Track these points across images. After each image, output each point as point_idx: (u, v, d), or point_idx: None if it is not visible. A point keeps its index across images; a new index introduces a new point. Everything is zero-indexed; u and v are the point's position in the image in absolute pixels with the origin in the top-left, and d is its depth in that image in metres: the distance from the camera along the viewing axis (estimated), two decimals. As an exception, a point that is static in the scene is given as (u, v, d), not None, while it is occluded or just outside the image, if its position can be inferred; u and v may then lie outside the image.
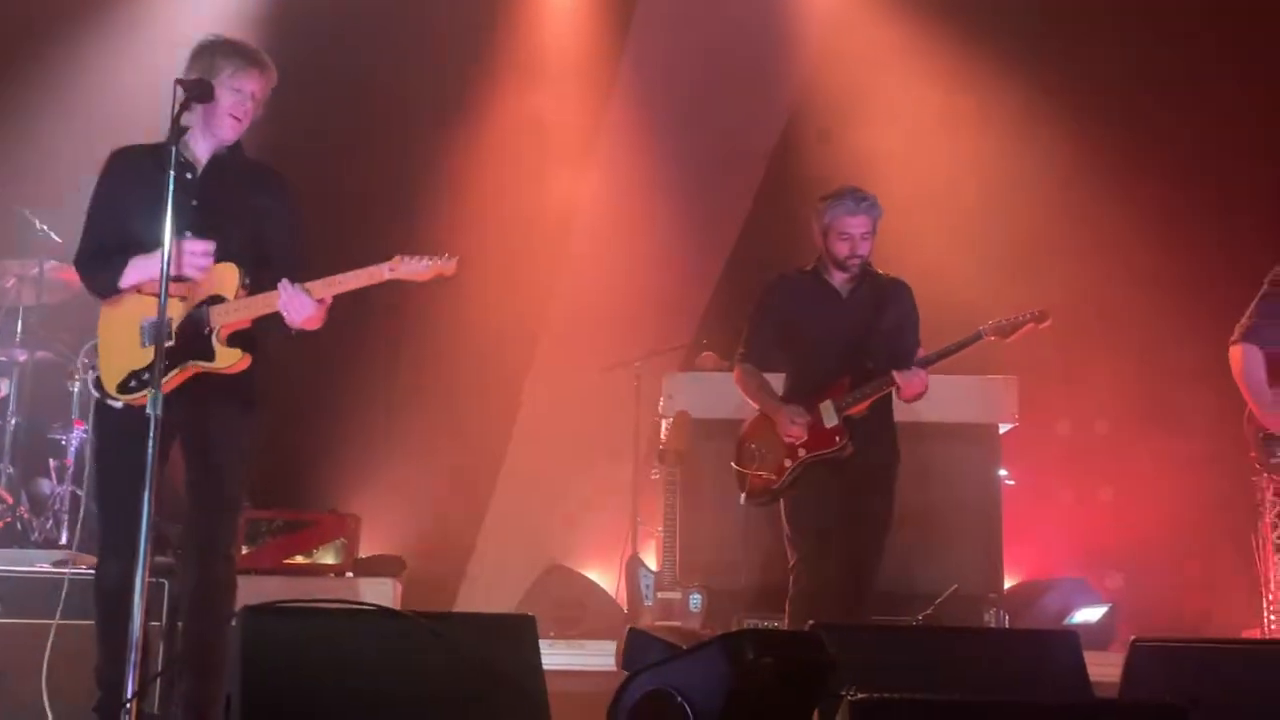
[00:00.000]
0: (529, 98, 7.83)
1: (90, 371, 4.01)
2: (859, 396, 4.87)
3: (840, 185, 5.08)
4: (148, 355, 3.82)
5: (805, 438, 4.87)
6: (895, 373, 4.79)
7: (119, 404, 3.93)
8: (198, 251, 3.90)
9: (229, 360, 3.97)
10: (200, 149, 4.08)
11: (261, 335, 4.05)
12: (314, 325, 4.00)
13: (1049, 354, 6.62)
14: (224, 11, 7.24)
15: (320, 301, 3.96)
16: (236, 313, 3.96)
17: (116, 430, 3.92)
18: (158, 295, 3.70)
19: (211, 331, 3.95)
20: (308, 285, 3.93)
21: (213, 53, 4.05)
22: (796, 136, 7.83)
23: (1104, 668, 4.11)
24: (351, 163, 7.32)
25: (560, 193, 7.83)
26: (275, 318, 3.96)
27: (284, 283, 3.91)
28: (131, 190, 3.99)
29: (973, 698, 3.04)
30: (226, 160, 4.12)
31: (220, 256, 3.97)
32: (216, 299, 3.96)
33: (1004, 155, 7.42)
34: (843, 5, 7.93)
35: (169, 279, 3.72)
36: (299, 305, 3.91)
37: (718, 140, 7.90)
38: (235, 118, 4.03)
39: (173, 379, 3.90)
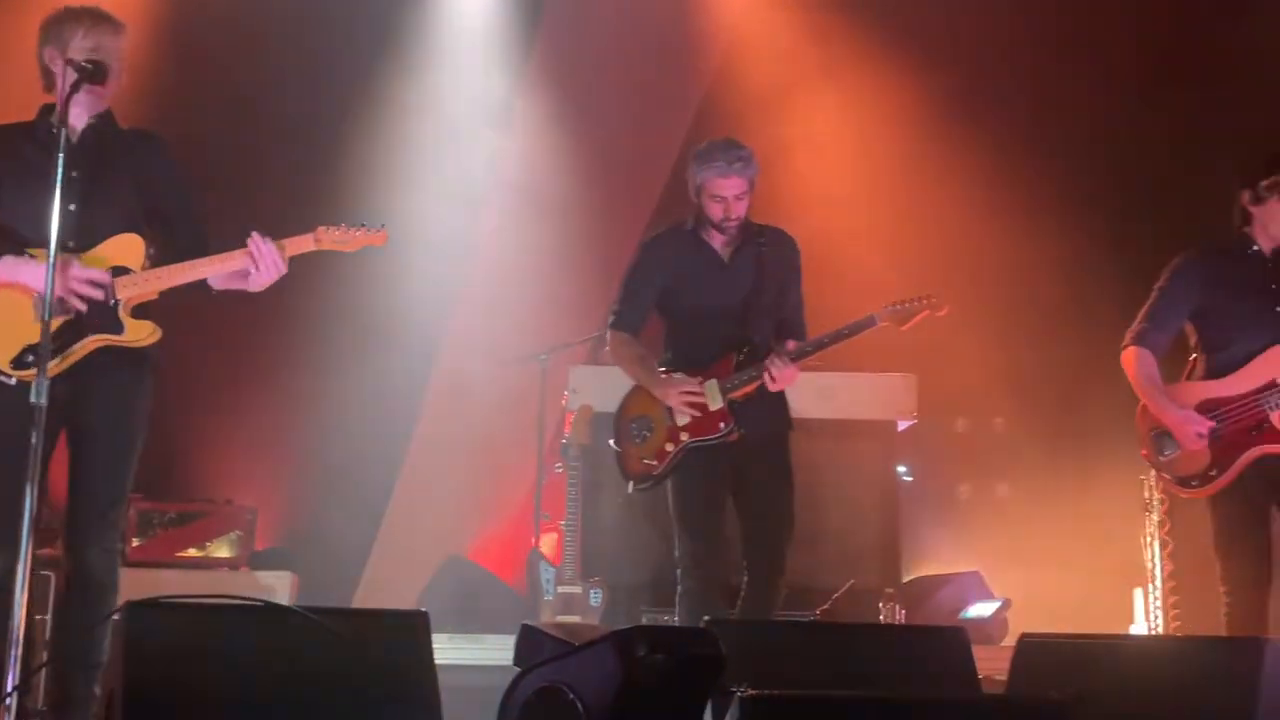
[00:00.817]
0: (436, 89, 7.75)
1: None
2: (743, 381, 4.57)
3: (713, 139, 4.74)
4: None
5: (694, 415, 4.57)
6: (767, 362, 4.53)
7: (12, 380, 3.77)
8: (87, 280, 3.79)
9: (140, 334, 3.88)
10: (74, 120, 3.92)
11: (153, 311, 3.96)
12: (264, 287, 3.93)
13: (948, 351, 6.71)
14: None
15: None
16: (146, 284, 3.88)
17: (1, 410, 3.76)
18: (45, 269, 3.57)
19: (117, 304, 3.85)
20: (281, 242, 3.88)
21: (60, 23, 3.94)
22: (707, 127, 7.81)
23: (997, 662, 4.17)
24: (249, 156, 7.18)
25: (466, 184, 7.76)
26: (184, 288, 3.89)
27: (254, 236, 3.85)
28: (2, 163, 3.88)
29: (862, 694, 3.07)
30: (101, 128, 4.01)
31: (113, 225, 3.89)
32: (120, 269, 3.87)
33: (911, 148, 7.52)
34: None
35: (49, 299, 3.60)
36: (271, 259, 3.87)
37: (627, 131, 7.88)
38: (89, 62, 3.84)
39: (75, 353, 3.80)
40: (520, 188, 7.77)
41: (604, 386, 6.25)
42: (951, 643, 3.77)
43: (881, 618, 5.88)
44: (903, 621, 5.92)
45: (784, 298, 4.78)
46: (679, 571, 4.63)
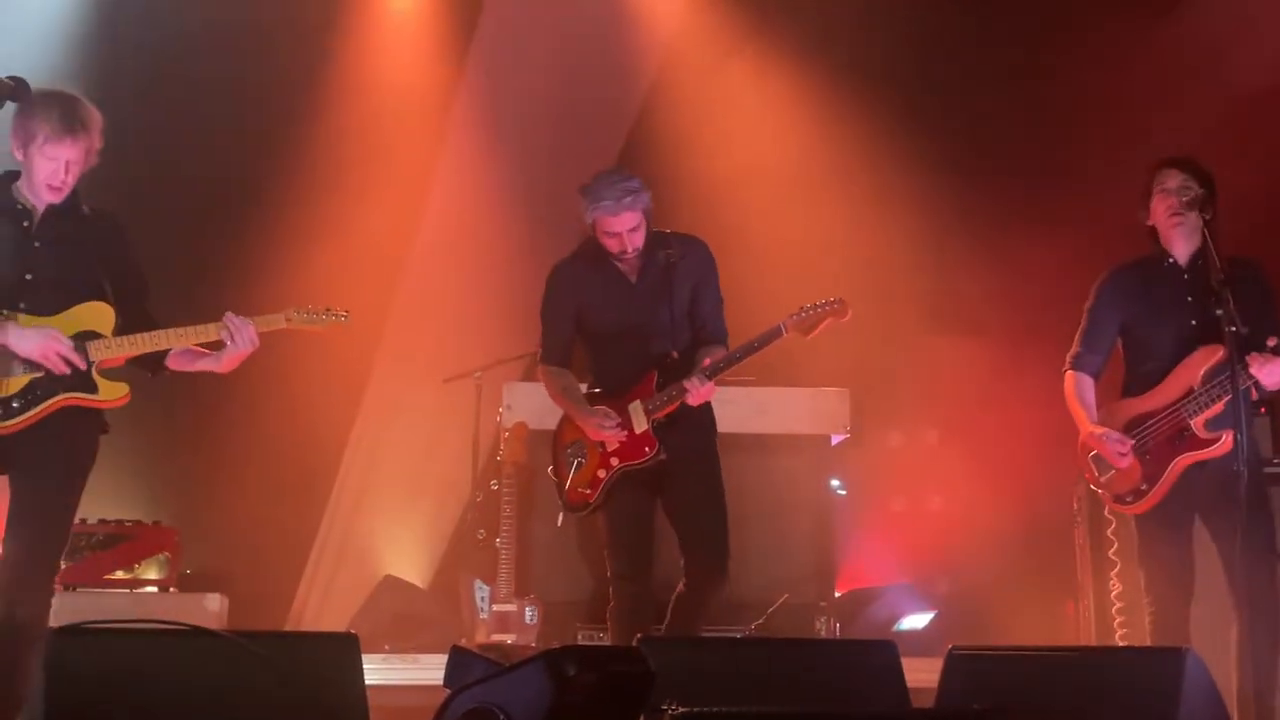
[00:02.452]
0: (368, 100, 7.72)
1: None
2: (665, 401, 4.61)
3: (606, 170, 4.78)
4: (18, 383, 3.87)
5: (621, 440, 4.63)
6: (686, 383, 4.57)
7: None
8: (62, 351, 3.90)
9: (114, 394, 4.02)
10: (34, 197, 4.05)
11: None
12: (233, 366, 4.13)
13: (880, 365, 6.78)
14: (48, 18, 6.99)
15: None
16: (119, 348, 4.01)
17: None
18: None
19: (91, 365, 3.96)
20: (252, 319, 4.08)
21: (30, 115, 3.96)
22: (643, 140, 7.86)
23: (929, 674, 4.20)
24: (181, 178, 7.12)
25: (401, 198, 7.72)
26: (143, 357, 4.07)
27: (229, 315, 4.04)
28: None
29: (790, 710, 3.09)
30: (64, 210, 4.08)
31: (69, 297, 3.99)
32: (91, 334, 3.98)
33: (840, 160, 7.58)
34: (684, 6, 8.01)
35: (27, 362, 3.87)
36: (246, 336, 4.04)
37: (563, 143, 7.88)
38: (53, 187, 4.00)
39: (43, 409, 3.90)
40: (454, 201, 7.74)
41: (539, 403, 6.21)
42: (881, 656, 3.80)
43: (818, 632, 5.91)
44: (837, 635, 5.95)
45: (699, 304, 4.79)
46: (610, 590, 4.70)
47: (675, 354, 4.70)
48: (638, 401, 4.66)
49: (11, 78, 3.80)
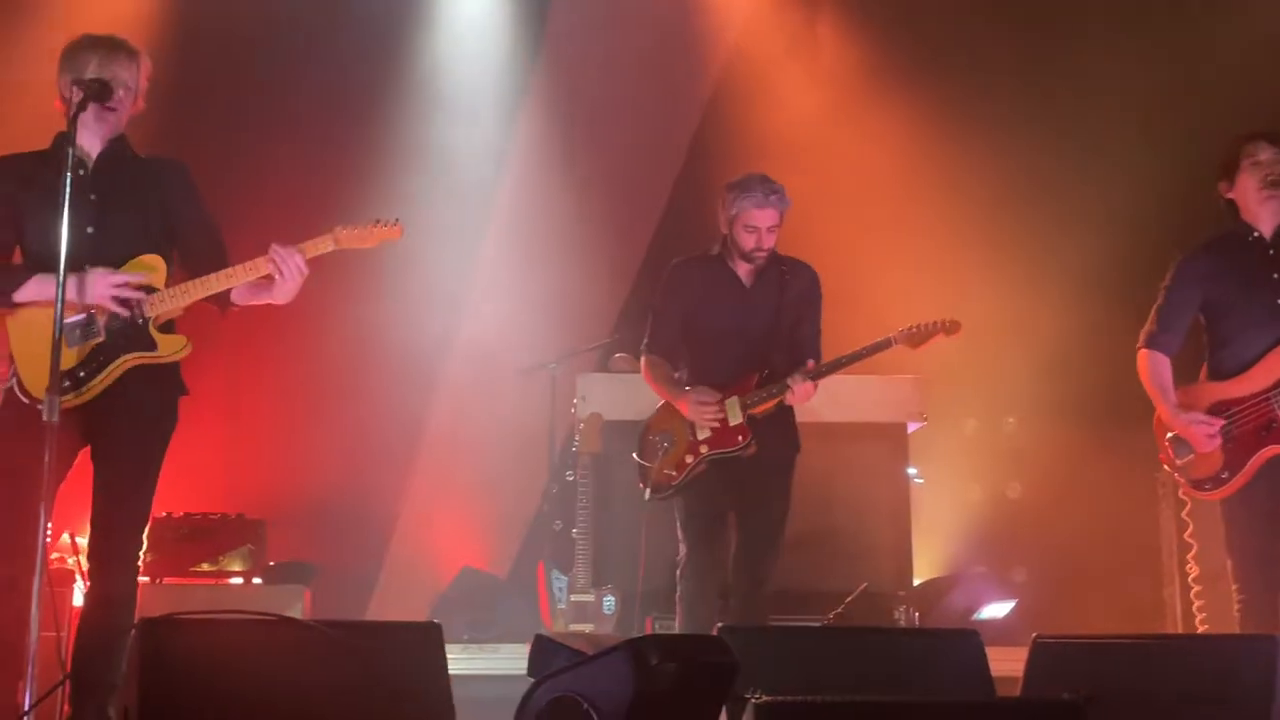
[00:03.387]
0: (441, 96, 7.78)
1: (13, 375, 3.86)
2: (764, 397, 4.83)
3: (748, 173, 4.95)
4: (77, 355, 3.83)
5: (710, 430, 4.81)
6: (790, 381, 4.78)
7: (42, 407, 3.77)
8: (114, 283, 3.85)
9: (174, 348, 3.95)
10: (88, 146, 4.01)
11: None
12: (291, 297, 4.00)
13: (957, 352, 6.70)
14: (118, 12, 7.10)
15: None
16: (173, 300, 3.94)
17: (24, 427, 3.74)
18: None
19: (146, 321, 3.90)
20: (300, 246, 3.94)
21: (75, 50, 3.98)
22: (711, 131, 7.85)
23: (1010, 664, 4.16)
24: (261, 167, 7.21)
25: (474, 191, 7.77)
26: (210, 298, 3.98)
27: (275, 246, 3.92)
28: (20, 191, 3.91)
29: (875, 698, 3.07)
30: (116, 154, 4.05)
31: (132, 247, 3.95)
32: (145, 289, 3.92)
33: (914, 147, 7.51)
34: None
35: (82, 308, 3.79)
36: (294, 265, 3.92)
37: (632, 137, 7.89)
38: (110, 108, 3.95)
39: (111, 374, 3.86)
40: (527, 194, 7.77)
41: (613, 394, 6.29)
42: (965, 645, 3.77)
43: (896, 621, 5.87)
44: (916, 624, 5.91)
45: (800, 327, 4.97)
46: (678, 575, 4.85)
47: (775, 362, 4.87)
48: (735, 396, 4.84)
49: (95, 79, 3.89)
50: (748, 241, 4.86)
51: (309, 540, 6.98)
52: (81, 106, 3.81)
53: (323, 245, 4.03)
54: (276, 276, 3.95)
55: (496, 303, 7.56)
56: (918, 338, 4.82)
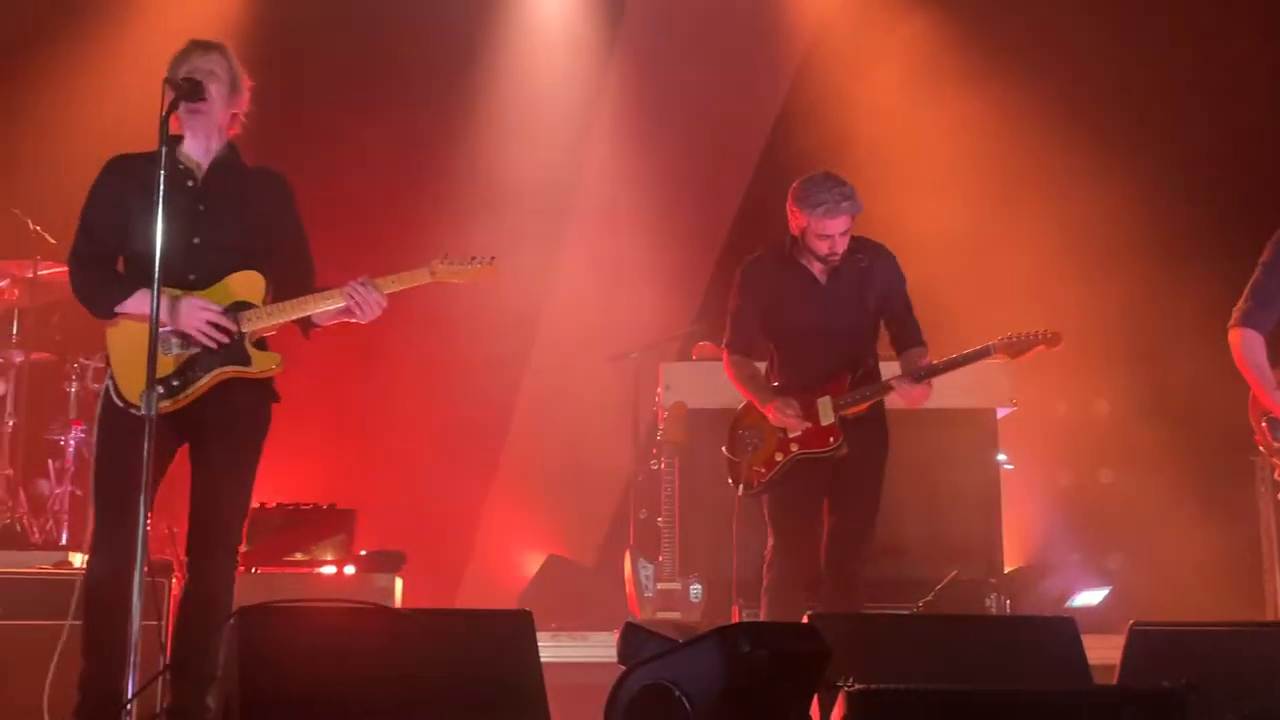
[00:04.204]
0: (522, 88, 7.82)
1: (108, 380, 3.95)
2: (859, 398, 4.75)
3: (816, 174, 4.81)
4: (173, 363, 3.91)
5: (800, 430, 4.76)
6: (895, 382, 4.73)
7: (138, 413, 3.83)
8: (208, 318, 3.92)
9: (267, 364, 4.03)
10: (198, 155, 4.07)
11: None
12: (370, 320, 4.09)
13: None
14: (219, 10, 7.24)
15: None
16: (270, 317, 4.03)
17: (124, 429, 3.84)
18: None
19: (243, 337, 3.99)
20: (376, 281, 4.03)
21: (174, 58, 4.02)
22: (790, 120, 7.81)
23: (1105, 651, 4.10)
24: (342, 160, 7.30)
25: (555, 183, 7.81)
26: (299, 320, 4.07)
27: (353, 283, 4.00)
28: (131, 195, 3.95)
29: (970, 687, 3.04)
30: (226, 164, 4.12)
31: (233, 260, 4.02)
32: (243, 304, 4.01)
33: (991, 129, 7.41)
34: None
35: (174, 333, 3.88)
36: (373, 303, 4.02)
37: (712, 125, 7.88)
38: (199, 109, 3.97)
39: (204, 384, 3.95)
40: (608, 186, 7.79)
41: (697, 382, 6.27)
42: (1060, 632, 3.72)
43: (988, 609, 5.81)
44: (1008, 612, 5.84)
45: (891, 307, 4.91)
46: (765, 565, 4.83)
47: (869, 361, 4.84)
48: (828, 397, 4.78)
49: (186, 79, 3.95)
50: (821, 248, 4.77)
51: (397, 529, 7.06)
52: (173, 106, 3.86)
53: (418, 278, 4.12)
54: (356, 311, 4.05)
55: (579, 295, 7.58)
56: (1017, 348, 4.74)
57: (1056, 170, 7.34)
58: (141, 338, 3.77)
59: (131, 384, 3.85)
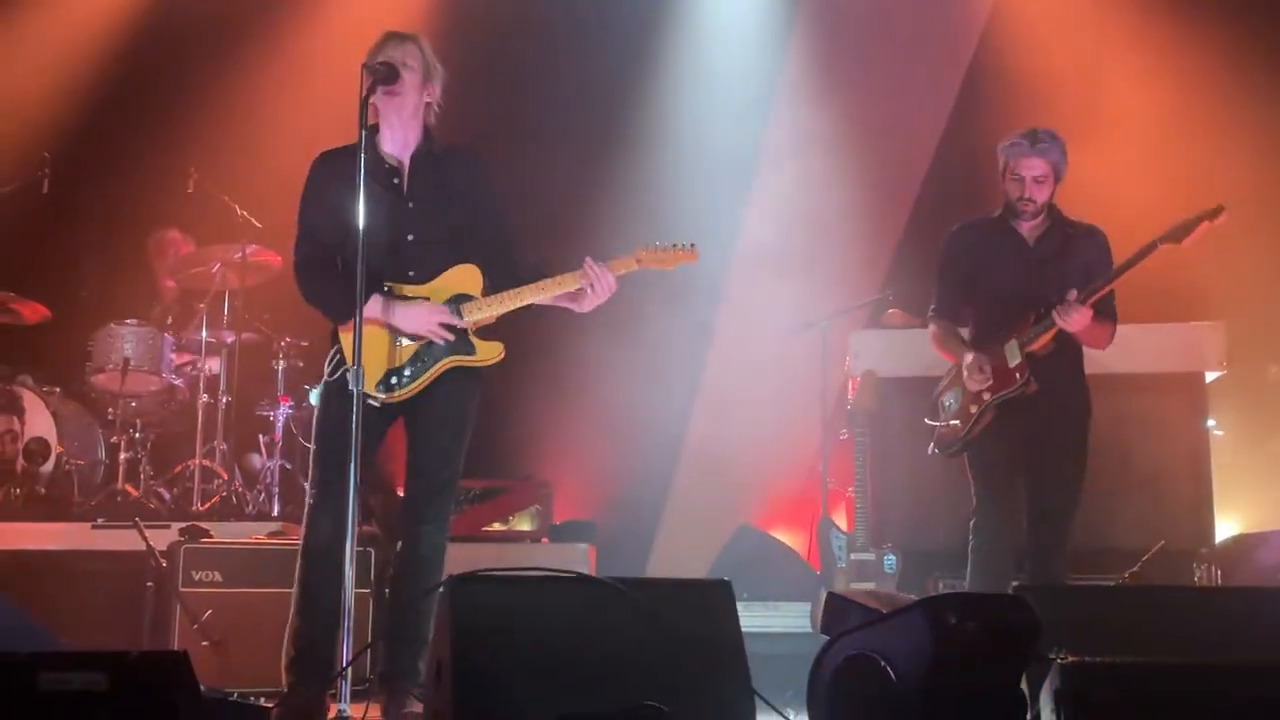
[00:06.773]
0: (702, 56, 7.82)
1: (341, 370, 4.07)
2: (1038, 332, 4.68)
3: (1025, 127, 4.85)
4: (405, 354, 4.10)
5: (990, 381, 4.73)
6: (1057, 310, 4.60)
7: (378, 403, 4.07)
8: (439, 320, 4.10)
9: (491, 354, 4.20)
10: (397, 150, 4.20)
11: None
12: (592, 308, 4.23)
13: (1257, 295, 6.31)
14: (407, 3, 7.43)
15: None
16: (489, 308, 4.18)
17: (348, 413, 3.91)
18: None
19: (465, 329, 4.16)
20: (609, 263, 4.16)
21: (371, 50, 4.14)
22: (977, 83, 7.62)
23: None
24: (528, 150, 7.41)
25: (739, 153, 7.79)
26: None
27: (589, 262, 4.13)
28: (343, 193, 4.01)
29: (1189, 659, 2.94)
30: (425, 156, 4.23)
31: (447, 253, 4.17)
32: (463, 297, 4.16)
33: (1205, 90, 7.09)
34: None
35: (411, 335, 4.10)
36: (606, 283, 4.14)
37: (897, 91, 7.75)
38: (395, 91, 4.08)
39: (432, 374, 4.13)
40: (791, 160, 7.72)
41: (887, 351, 6.20)
42: (1277, 604, 3.57)
43: (1197, 580, 5.60)
44: (1220, 583, 5.61)
45: (1091, 281, 4.73)
46: (971, 526, 4.78)
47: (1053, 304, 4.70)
48: (1013, 340, 4.74)
49: (381, 63, 4.07)
50: (1013, 190, 4.77)
51: (589, 500, 7.18)
52: (371, 89, 3.99)
53: (627, 264, 4.22)
54: (588, 291, 4.15)
55: (766, 264, 7.54)
56: (1181, 232, 4.52)
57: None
58: (376, 338, 4.04)
59: (366, 376, 3.97)
